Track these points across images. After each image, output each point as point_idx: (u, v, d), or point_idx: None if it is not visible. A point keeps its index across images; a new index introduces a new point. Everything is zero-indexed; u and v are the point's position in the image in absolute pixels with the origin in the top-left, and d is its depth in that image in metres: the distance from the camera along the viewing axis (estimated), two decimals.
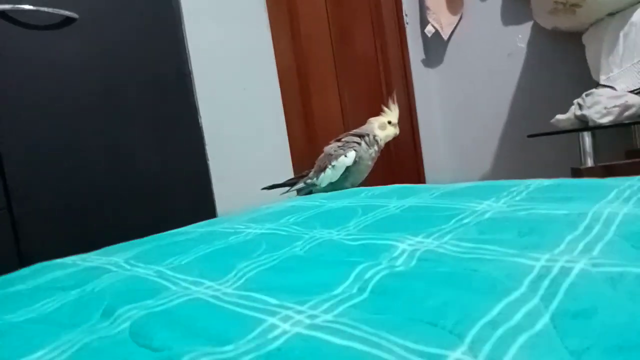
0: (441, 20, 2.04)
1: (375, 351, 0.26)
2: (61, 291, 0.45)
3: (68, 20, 1.14)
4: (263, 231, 0.59)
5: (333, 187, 1.07)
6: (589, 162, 1.39)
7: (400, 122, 2.08)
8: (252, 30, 1.71)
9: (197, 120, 1.51)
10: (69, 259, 0.60)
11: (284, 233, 0.56)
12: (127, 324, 0.34)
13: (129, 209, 1.18)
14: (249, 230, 0.60)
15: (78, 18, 1.15)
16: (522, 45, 1.88)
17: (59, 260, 0.61)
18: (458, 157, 2.18)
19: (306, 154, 1.83)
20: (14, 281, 0.53)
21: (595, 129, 1.35)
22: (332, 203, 0.71)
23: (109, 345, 0.32)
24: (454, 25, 2.06)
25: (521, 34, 1.88)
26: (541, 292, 0.30)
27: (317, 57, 1.90)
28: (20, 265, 1.15)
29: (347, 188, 1.00)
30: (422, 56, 2.17)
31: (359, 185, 1.10)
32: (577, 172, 1.35)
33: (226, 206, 1.54)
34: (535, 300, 0.29)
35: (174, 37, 1.41)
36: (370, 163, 1.11)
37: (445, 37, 2.06)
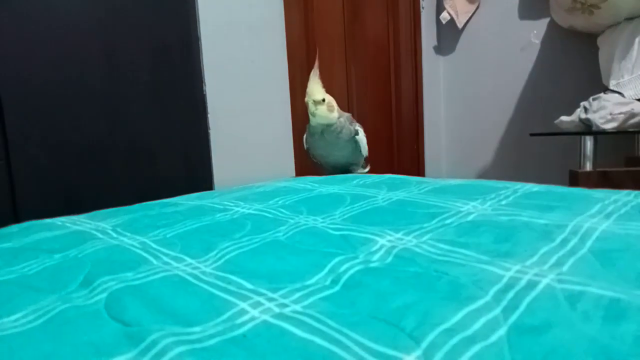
0: (457, 8, 2.00)
1: (333, 347, 0.27)
2: (45, 254, 0.46)
3: None
4: (250, 211, 0.59)
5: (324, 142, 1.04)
6: (588, 166, 1.39)
7: (406, 107, 2.07)
8: (264, 4, 1.68)
9: (202, 88, 1.51)
10: (58, 220, 0.61)
11: (270, 216, 0.57)
12: (103, 295, 0.36)
13: (124, 171, 1.18)
14: (237, 209, 0.61)
15: None
16: (536, 41, 1.85)
17: (48, 220, 0.62)
18: (458, 148, 2.17)
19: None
20: (2, 238, 0.54)
21: (598, 134, 1.35)
22: (323, 188, 0.72)
23: (82, 314, 0.33)
24: (470, 14, 2.02)
25: (536, 29, 1.85)
26: (504, 303, 0.31)
27: (328, 34, 1.87)
28: (15, 217, 1.17)
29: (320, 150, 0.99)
30: (434, 43, 2.14)
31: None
32: (574, 175, 1.35)
33: (224, 176, 1.55)
34: (496, 311, 0.30)
35: (185, 3, 1.39)
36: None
37: (459, 25, 2.02)
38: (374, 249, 0.43)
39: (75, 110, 1.18)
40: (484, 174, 2.06)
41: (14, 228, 0.60)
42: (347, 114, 1.09)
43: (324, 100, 0.97)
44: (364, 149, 1.06)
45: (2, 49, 1.09)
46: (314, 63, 1.87)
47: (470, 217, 0.51)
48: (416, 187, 0.69)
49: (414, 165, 2.12)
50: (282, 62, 1.74)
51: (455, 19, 2.01)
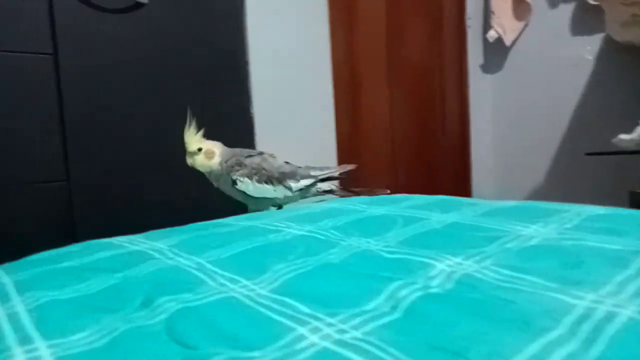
0: (505, 26, 1.96)
1: None
2: (105, 273, 0.47)
3: (137, 5, 1.19)
4: (302, 233, 0.59)
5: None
6: None
7: (451, 127, 2.04)
8: (312, 24, 1.71)
9: (249, 109, 1.54)
10: (116, 240, 0.63)
11: (322, 237, 0.56)
12: (163, 316, 0.36)
13: (176, 191, 1.21)
14: (289, 230, 0.61)
15: (147, 3, 1.19)
16: (590, 57, 1.78)
17: (106, 240, 0.64)
18: (507, 169, 2.10)
19: (353, 150, 1.82)
20: (64, 257, 0.56)
21: None
22: (373, 209, 0.71)
23: (144, 336, 0.33)
24: (519, 32, 1.98)
25: (590, 45, 1.79)
26: (582, 335, 0.29)
27: (371, 55, 1.88)
28: (72, 235, 1.22)
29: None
30: (481, 61, 2.10)
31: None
32: (636, 196, 1.27)
33: None
34: (574, 345, 0.28)
35: (235, 28, 1.43)
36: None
37: (507, 43, 1.98)
38: (432, 273, 0.42)
39: (129, 133, 1.23)
40: (534, 196, 1.98)
41: (74, 247, 0.62)
42: (241, 161, 1.03)
43: (200, 149, 1.00)
44: (254, 194, 1.03)
45: (67, 80, 1.16)
46: (357, 85, 1.88)
47: (532, 242, 0.48)
48: (470, 209, 0.67)
49: (459, 186, 2.07)
50: (327, 83, 1.76)
51: (502, 36, 1.97)
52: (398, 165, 1.90)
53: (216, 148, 1.02)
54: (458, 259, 0.45)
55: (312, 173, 1.09)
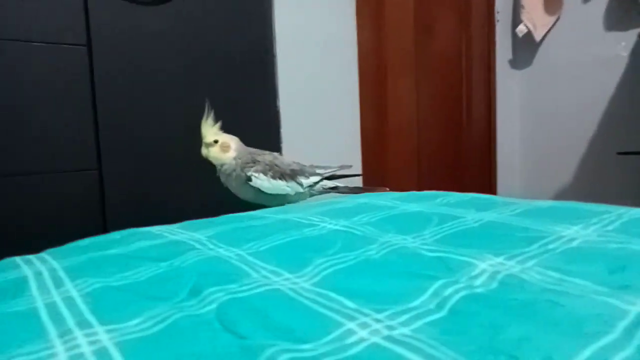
0: (535, 20, 1.93)
1: None
2: (150, 262, 0.48)
3: None
4: (337, 227, 0.60)
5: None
6: None
7: (477, 123, 2.01)
8: (338, 16, 1.71)
9: (276, 103, 1.55)
10: (155, 229, 0.65)
11: (358, 233, 0.57)
12: (213, 306, 0.37)
13: (203, 182, 1.23)
14: (324, 225, 0.61)
15: None
16: (624, 54, 1.74)
17: (145, 229, 0.65)
18: (534, 167, 2.07)
19: (377, 145, 1.82)
20: (107, 245, 0.58)
21: None
22: (406, 206, 0.71)
23: (198, 324, 0.34)
24: (549, 27, 1.94)
25: (624, 41, 1.74)
26: (637, 342, 0.29)
27: (398, 48, 1.86)
28: (103, 224, 1.25)
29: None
30: (510, 56, 2.07)
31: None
32: None
33: None
34: (630, 350, 0.28)
35: (263, 21, 1.44)
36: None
37: (537, 38, 1.95)
38: (475, 273, 0.42)
39: (159, 123, 1.25)
40: (561, 196, 1.95)
41: (115, 235, 0.64)
42: (255, 158, 1.04)
43: (216, 141, 1.01)
44: (269, 190, 1.03)
45: (100, 71, 1.18)
46: (383, 79, 1.87)
47: (574, 243, 0.48)
48: (506, 208, 0.66)
49: (484, 184, 2.04)
50: (353, 77, 1.76)
51: (532, 31, 1.93)
52: (422, 160, 1.89)
53: (232, 142, 1.03)
54: (500, 259, 0.44)
55: (318, 171, 1.11)
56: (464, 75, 2.00)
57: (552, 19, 1.93)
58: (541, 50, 1.99)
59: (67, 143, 1.14)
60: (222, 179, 1.04)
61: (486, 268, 0.42)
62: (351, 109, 1.77)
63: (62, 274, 0.45)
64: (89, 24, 1.15)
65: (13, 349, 0.31)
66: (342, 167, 1.17)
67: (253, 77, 1.42)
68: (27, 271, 0.48)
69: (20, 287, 0.43)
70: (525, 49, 2.03)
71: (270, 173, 1.03)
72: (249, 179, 1.01)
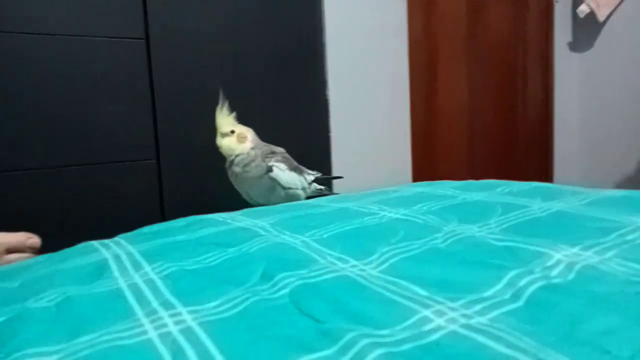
0: (599, 1, 1.82)
1: None
2: (220, 247, 0.50)
3: None
4: (398, 216, 0.59)
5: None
6: None
7: (533, 108, 1.94)
8: (389, 4, 1.68)
9: (325, 92, 1.55)
10: (217, 216, 0.67)
11: (420, 222, 0.56)
12: (286, 291, 0.38)
13: None
14: (383, 213, 0.61)
15: None
16: None
17: (209, 216, 0.67)
18: (594, 154, 1.97)
19: (427, 134, 1.79)
20: (173, 231, 0.60)
21: None
22: (466, 195, 0.69)
23: (274, 308, 0.35)
24: (614, 7, 1.83)
25: None
26: None
27: (449, 35, 1.82)
28: (162, 212, 1.29)
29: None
30: (569, 38, 1.97)
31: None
32: None
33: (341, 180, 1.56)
34: None
35: (313, 10, 1.44)
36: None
37: (601, 19, 1.84)
38: (550, 263, 0.41)
39: (213, 116, 1.28)
40: (622, 185, 1.85)
41: (180, 222, 0.66)
42: (273, 149, 1.04)
43: (232, 132, 0.98)
44: (286, 183, 1.01)
45: (158, 64, 1.22)
46: (434, 67, 1.83)
47: None
48: (574, 197, 0.64)
49: (540, 173, 1.97)
50: (403, 65, 1.73)
51: (595, 12, 1.83)
52: (474, 149, 1.84)
53: (249, 133, 1.02)
54: (575, 249, 0.43)
55: (310, 172, 1.11)
56: (520, 60, 1.92)
57: None
58: (604, 31, 1.88)
59: (126, 134, 1.19)
60: (236, 170, 1.00)
61: (561, 258, 0.41)
62: (401, 98, 1.75)
63: (139, 257, 0.48)
64: (147, 18, 1.19)
65: (105, 326, 0.33)
66: (325, 176, 1.19)
67: (303, 66, 1.43)
68: (106, 254, 0.50)
69: (102, 268, 0.45)
70: (587, 30, 1.93)
71: (287, 164, 1.03)
72: (270, 169, 1.00)
